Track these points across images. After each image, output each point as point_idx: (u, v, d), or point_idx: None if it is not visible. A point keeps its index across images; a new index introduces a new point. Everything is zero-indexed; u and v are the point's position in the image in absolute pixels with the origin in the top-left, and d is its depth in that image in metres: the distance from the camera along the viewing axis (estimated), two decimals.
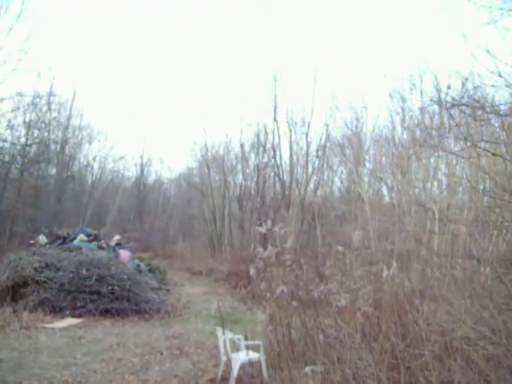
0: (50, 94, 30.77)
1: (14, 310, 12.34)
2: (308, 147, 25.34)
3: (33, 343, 10.07)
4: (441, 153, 16.30)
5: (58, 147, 33.82)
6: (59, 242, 20.18)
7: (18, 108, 25.65)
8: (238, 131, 29.92)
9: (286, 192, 25.55)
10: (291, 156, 25.89)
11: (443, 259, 11.80)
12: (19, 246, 20.14)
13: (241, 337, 8.32)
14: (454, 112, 12.10)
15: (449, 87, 15.92)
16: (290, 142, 25.82)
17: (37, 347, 9.74)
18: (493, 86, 9.16)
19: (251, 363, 7.85)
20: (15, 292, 13.34)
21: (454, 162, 16.15)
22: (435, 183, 18.15)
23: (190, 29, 63.19)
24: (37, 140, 28.51)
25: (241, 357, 7.70)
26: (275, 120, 26.30)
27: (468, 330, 5.54)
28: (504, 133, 10.57)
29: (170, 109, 61.35)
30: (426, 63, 21.35)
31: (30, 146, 27.34)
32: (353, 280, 8.37)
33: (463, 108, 10.73)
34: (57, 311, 12.87)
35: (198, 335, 11.44)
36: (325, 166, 26.21)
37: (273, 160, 27.10)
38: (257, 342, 8.02)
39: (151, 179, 50.65)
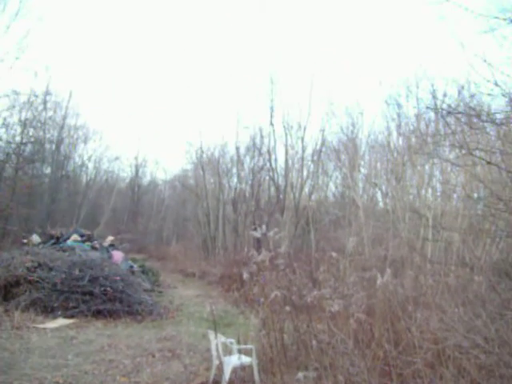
0: (47, 93, 30.74)
1: (6, 310, 12.29)
2: (303, 151, 25.37)
3: (24, 343, 10.03)
4: (436, 160, 16.33)
5: (53, 146, 33.77)
6: (52, 241, 20.16)
7: (14, 106, 25.57)
8: (233, 134, 29.94)
9: (281, 196, 25.55)
10: (286, 160, 25.92)
11: (437, 266, 11.82)
12: (12, 245, 20.08)
13: (233, 340, 8.31)
14: (450, 120, 12.13)
15: (445, 95, 16.00)
16: (286, 145, 25.87)
17: (28, 347, 9.71)
18: (489, 94, 9.20)
19: (243, 367, 7.85)
20: (7, 291, 13.28)
21: (449, 169, 16.16)
22: (430, 190, 18.17)
23: (187, 30, 63.28)
24: (32, 139, 28.43)
25: (233, 361, 7.69)
26: (271, 123, 26.35)
27: (461, 338, 5.55)
28: (499, 141, 10.61)
29: (166, 110, 61.44)
30: (422, 70, 21.30)
31: (25, 144, 27.27)
32: (346, 286, 8.38)
33: (459, 116, 10.77)
34: (49, 311, 12.83)
35: (190, 338, 11.42)
36: (320, 170, 26.21)
37: (268, 163, 27.11)
38: (249, 346, 8.02)
39: (146, 180, 50.68)
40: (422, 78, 20.26)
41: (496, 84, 8.50)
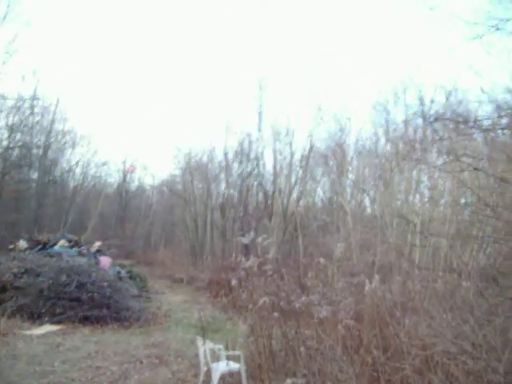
0: (34, 98, 30.53)
1: None
2: (292, 157, 25.45)
3: (10, 350, 9.95)
4: (423, 166, 16.41)
5: (41, 151, 33.51)
6: (39, 247, 20.02)
7: (1, 111, 25.46)
8: (222, 139, 29.93)
9: (269, 201, 25.57)
10: (275, 165, 25.95)
11: (424, 272, 11.85)
12: None
13: (221, 347, 8.28)
14: (438, 126, 12.19)
15: (433, 101, 16.11)
16: (274, 151, 25.91)
17: (14, 354, 9.63)
18: (476, 101, 9.27)
19: (231, 374, 7.82)
20: None
21: (437, 175, 16.25)
22: (417, 196, 18.25)
23: (176, 36, 63.22)
24: (19, 143, 28.28)
25: (221, 367, 7.67)
26: (259, 129, 26.39)
27: (449, 344, 5.56)
28: (487, 147, 10.68)
29: (155, 115, 61.26)
30: (410, 77, 21.48)
31: (12, 149, 27.12)
32: (334, 292, 8.39)
33: (446, 122, 10.83)
34: (35, 318, 12.72)
35: (178, 344, 11.38)
36: (308, 176, 26.26)
37: (256, 169, 27.12)
38: (237, 353, 7.99)
39: (134, 185, 50.38)
40: (409, 84, 20.43)
41: (482, 91, 8.58)
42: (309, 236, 23.75)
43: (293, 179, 25.37)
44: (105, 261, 19.42)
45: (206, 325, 9.71)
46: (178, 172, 37.78)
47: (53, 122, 34.95)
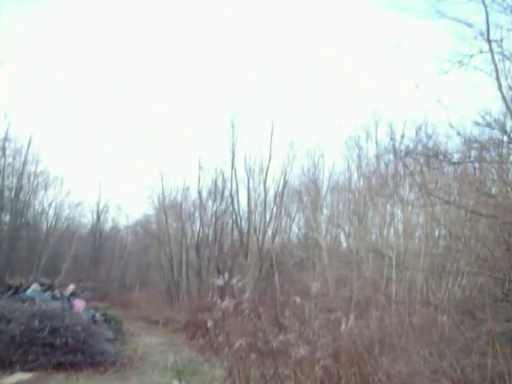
0: (5, 139, 30.37)
1: None
2: (266, 194, 25.49)
3: None
4: (397, 200, 16.56)
5: (13, 194, 33.18)
6: (11, 292, 19.61)
7: None
8: (195, 178, 29.84)
9: (244, 239, 25.50)
10: (249, 203, 25.95)
11: (401, 306, 11.85)
12: None
13: None
14: (409, 160, 12.35)
15: (403, 136, 16.34)
16: (248, 188, 25.95)
17: None
18: (445, 135, 9.43)
19: None
20: None
21: (410, 208, 16.38)
22: (392, 229, 18.35)
23: (147, 71, 63.45)
24: None
25: None
26: (233, 167, 26.44)
27: (426, 381, 5.52)
28: (457, 181, 10.82)
29: (128, 155, 61.08)
30: (381, 112, 21.82)
31: None
32: (312, 330, 8.32)
33: (417, 156, 10.98)
34: (6, 366, 12.36)
35: None
36: (282, 212, 26.33)
37: (231, 207, 27.10)
38: None
39: (108, 226, 49.93)
40: (380, 120, 20.75)
41: (451, 126, 8.73)
42: (285, 273, 23.67)
43: (268, 216, 25.38)
44: (79, 304, 19.10)
45: (182, 368, 9.56)
46: (152, 212, 37.65)
47: (25, 163, 34.64)
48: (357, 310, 13.29)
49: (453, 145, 11.16)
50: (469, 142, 10.15)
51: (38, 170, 36.85)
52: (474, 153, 10.34)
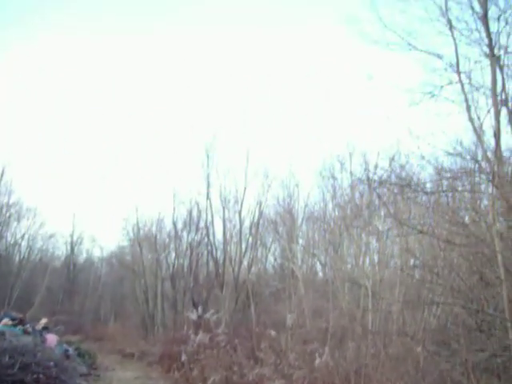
0: None
1: None
2: (241, 225, 25.42)
3: None
4: (371, 229, 16.63)
5: None
6: None
7: None
8: (170, 209, 29.74)
9: (220, 270, 25.33)
10: (224, 234, 25.84)
11: (377, 336, 11.82)
12: None
13: None
14: (383, 190, 12.43)
15: (376, 166, 16.44)
16: (223, 219, 25.85)
17: None
18: (418, 165, 9.53)
19: None
20: None
21: (385, 237, 16.46)
22: (367, 259, 18.38)
23: (122, 101, 63.52)
24: None
25: None
26: (208, 198, 26.37)
27: None
28: (430, 210, 10.90)
29: (103, 186, 60.82)
30: (355, 143, 21.98)
31: None
32: (288, 362, 8.26)
33: (390, 186, 11.07)
34: None
35: None
36: (258, 243, 26.23)
37: (206, 238, 26.96)
38: None
39: (82, 258, 49.42)
40: (354, 150, 20.91)
41: (422, 157, 8.84)
42: (261, 303, 23.54)
43: (243, 246, 25.27)
44: (51, 338, 18.75)
45: None
46: (126, 243, 37.31)
47: None
48: (333, 341, 13.23)
49: (426, 174, 11.28)
50: (441, 172, 10.27)
51: (11, 202, 36.57)
52: (446, 182, 10.47)
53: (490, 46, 9.24)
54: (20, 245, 39.63)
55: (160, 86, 58.42)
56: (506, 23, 9.10)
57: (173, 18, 57.41)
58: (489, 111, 9.13)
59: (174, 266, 29.49)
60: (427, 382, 5.95)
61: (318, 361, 7.07)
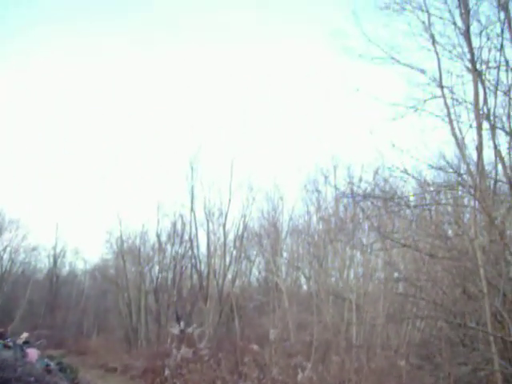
0: None
1: None
2: (225, 238, 25.31)
3: None
4: (355, 242, 16.67)
5: None
6: None
7: None
8: (154, 222, 29.55)
9: (204, 283, 25.19)
10: (208, 246, 25.73)
11: (361, 350, 11.80)
12: None
13: None
14: (367, 203, 12.45)
15: (361, 180, 16.50)
16: (208, 232, 25.75)
17: None
18: (401, 179, 9.57)
19: None
20: None
21: (369, 251, 16.48)
22: (352, 272, 18.41)
23: (106, 114, 63.39)
24: None
25: None
26: (192, 210, 26.26)
27: None
28: (414, 224, 10.94)
29: (86, 198, 60.52)
30: (339, 156, 22.03)
31: None
32: (271, 377, 8.22)
33: (374, 200, 11.08)
34: None
35: None
36: (242, 256, 26.14)
37: (190, 251, 26.82)
38: None
39: (65, 271, 48.84)
40: (338, 164, 20.97)
41: (405, 171, 8.87)
42: (245, 317, 23.45)
43: (227, 259, 25.18)
44: (32, 353, 18.48)
45: None
46: (110, 256, 36.95)
47: None
48: (317, 355, 13.19)
49: (409, 188, 11.33)
50: (424, 186, 10.31)
51: None
52: (429, 196, 10.51)
53: (472, 61, 9.32)
54: (2, 257, 39.18)
55: (145, 97, 58.28)
56: (488, 38, 9.19)
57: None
58: (471, 125, 9.20)
59: (157, 279, 29.29)
60: None
61: (300, 376, 7.02)
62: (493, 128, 8.80)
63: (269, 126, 46.52)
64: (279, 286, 20.98)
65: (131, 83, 55.60)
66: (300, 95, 47.72)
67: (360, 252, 17.45)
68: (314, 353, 13.14)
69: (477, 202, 8.14)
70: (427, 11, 10.05)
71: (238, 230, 25.48)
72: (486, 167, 9.23)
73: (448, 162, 10.07)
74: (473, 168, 8.81)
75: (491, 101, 8.91)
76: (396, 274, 13.66)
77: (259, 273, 28.49)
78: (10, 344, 18.60)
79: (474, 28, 9.48)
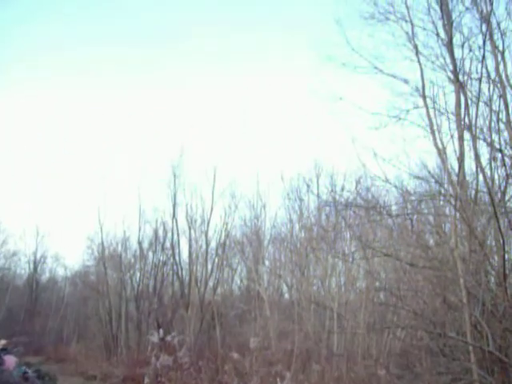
0: None
1: None
2: (207, 245, 25.23)
3: None
4: (337, 251, 16.70)
5: None
6: None
7: None
8: (136, 228, 29.39)
9: (185, 291, 25.09)
10: (190, 254, 25.64)
11: (342, 359, 11.80)
12: None
13: None
14: (349, 212, 12.49)
15: (343, 189, 16.59)
16: (190, 239, 25.66)
17: None
18: (383, 188, 9.59)
19: None
20: None
21: (350, 259, 16.52)
22: (333, 280, 18.43)
23: (91, 117, 63.09)
24: None
25: None
26: (174, 217, 26.17)
27: None
28: (395, 233, 10.97)
29: (67, 204, 60.15)
30: (322, 165, 22.11)
31: None
32: None
33: (356, 209, 11.12)
34: None
35: None
36: (224, 263, 26.08)
37: (172, 258, 26.71)
38: None
39: (45, 277, 48.35)
40: (321, 172, 21.05)
41: (387, 180, 8.90)
42: (227, 325, 23.38)
43: (209, 267, 25.09)
44: (10, 360, 18.23)
45: None
46: (91, 262, 36.66)
47: None
48: (298, 363, 13.18)
49: (391, 197, 11.38)
50: (406, 195, 10.35)
51: None
52: (411, 205, 10.55)
53: (455, 72, 9.39)
54: None
55: (127, 102, 58.09)
56: (470, 50, 9.27)
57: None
58: (452, 136, 9.25)
59: (138, 286, 29.09)
60: None
61: None
62: (474, 139, 8.86)
63: (252, 133, 46.53)
64: (261, 294, 20.94)
65: (114, 89, 55.35)
66: (283, 103, 47.78)
67: (342, 261, 17.48)
68: (295, 361, 13.12)
69: (457, 212, 8.18)
70: (411, 22, 10.12)
71: (220, 238, 25.43)
72: (467, 177, 9.29)
73: (429, 172, 10.14)
74: (454, 178, 8.86)
75: (473, 111, 8.97)
76: (377, 284, 13.70)
77: (241, 281, 28.46)
78: None
79: (457, 39, 9.57)
